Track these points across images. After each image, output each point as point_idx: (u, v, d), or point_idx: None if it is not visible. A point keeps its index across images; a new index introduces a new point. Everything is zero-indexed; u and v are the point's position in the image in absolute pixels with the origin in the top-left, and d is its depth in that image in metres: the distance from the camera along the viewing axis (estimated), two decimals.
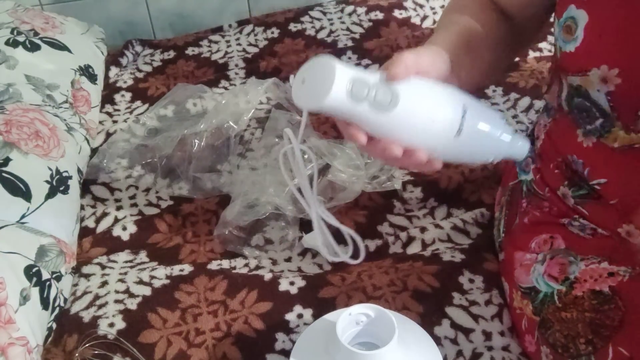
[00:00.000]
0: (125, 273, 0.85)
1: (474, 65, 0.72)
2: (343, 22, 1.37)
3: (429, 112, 0.58)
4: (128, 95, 1.23)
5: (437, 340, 0.73)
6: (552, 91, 0.76)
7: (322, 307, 0.78)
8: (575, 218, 0.74)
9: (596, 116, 0.67)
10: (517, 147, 0.64)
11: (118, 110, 1.19)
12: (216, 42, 1.36)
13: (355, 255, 0.71)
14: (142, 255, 0.89)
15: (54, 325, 0.79)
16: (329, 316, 0.66)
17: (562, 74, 0.71)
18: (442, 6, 1.39)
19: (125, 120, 1.15)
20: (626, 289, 0.65)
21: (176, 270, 0.85)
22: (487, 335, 0.75)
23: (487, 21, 0.76)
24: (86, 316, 0.79)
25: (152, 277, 0.84)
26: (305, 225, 0.91)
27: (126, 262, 0.88)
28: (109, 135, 1.12)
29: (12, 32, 1.11)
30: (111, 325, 0.77)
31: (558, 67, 0.71)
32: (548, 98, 0.78)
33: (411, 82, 0.58)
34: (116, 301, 0.81)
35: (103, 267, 0.87)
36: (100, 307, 0.80)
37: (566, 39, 0.66)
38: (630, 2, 0.60)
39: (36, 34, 1.14)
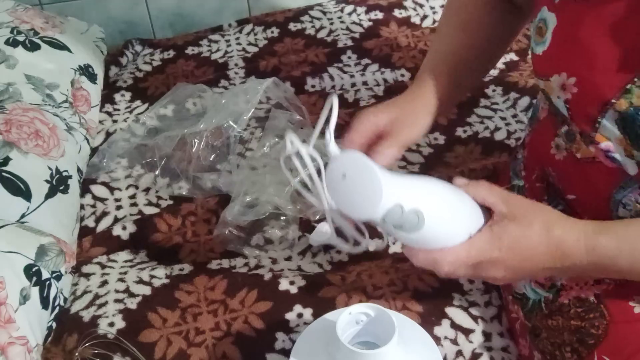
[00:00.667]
0: (125, 272, 0.85)
1: (468, 83, 0.79)
2: (343, 22, 1.37)
3: (441, 238, 0.62)
4: (128, 95, 1.23)
5: (437, 340, 0.73)
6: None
7: (322, 306, 0.78)
8: None
9: (561, 122, 0.68)
10: None
11: (118, 109, 1.19)
12: (216, 42, 1.36)
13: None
14: (142, 255, 0.89)
15: (54, 325, 0.79)
16: (329, 315, 0.66)
17: (533, 72, 0.72)
18: (442, 6, 1.39)
19: (125, 120, 1.15)
20: (611, 297, 0.65)
21: (176, 269, 0.85)
22: (487, 336, 0.75)
23: (489, 20, 0.77)
24: (86, 315, 0.79)
25: (152, 277, 0.84)
26: (305, 225, 0.91)
27: (126, 261, 0.88)
28: (108, 134, 1.12)
29: (11, 32, 1.11)
30: (111, 324, 0.77)
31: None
32: (538, 97, 0.78)
33: (433, 202, 0.61)
34: (116, 300, 0.81)
35: (103, 266, 0.87)
36: (100, 306, 0.80)
37: (537, 40, 0.66)
38: (591, 12, 0.60)
39: (36, 33, 1.14)
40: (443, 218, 0.61)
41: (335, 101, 0.63)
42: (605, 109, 0.59)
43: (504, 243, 0.60)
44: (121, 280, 0.84)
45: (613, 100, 0.58)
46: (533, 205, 0.63)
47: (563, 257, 0.60)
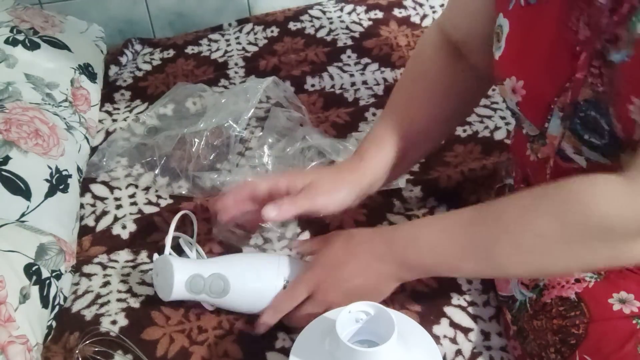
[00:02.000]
0: (128, 274, 0.85)
1: (418, 154, 0.83)
2: (342, 21, 1.37)
3: (256, 292, 0.74)
4: (128, 94, 1.23)
5: (436, 339, 0.74)
6: None
7: None
8: None
9: (520, 125, 0.70)
10: None
11: (118, 109, 1.19)
12: (216, 41, 1.36)
13: None
14: (143, 256, 0.89)
15: (54, 324, 0.79)
16: (329, 314, 0.67)
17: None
18: (442, 5, 1.39)
19: (124, 119, 1.15)
20: (591, 295, 0.66)
21: None
22: (486, 335, 0.75)
23: (451, 87, 0.79)
24: (88, 314, 0.79)
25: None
26: (306, 224, 0.91)
27: (127, 261, 0.88)
28: (108, 133, 1.12)
29: (11, 31, 1.11)
30: (114, 322, 0.78)
31: None
32: None
33: (232, 264, 0.75)
34: (119, 300, 0.81)
35: (104, 266, 0.87)
36: (102, 305, 0.80)
37: (495, 45, 0.68)
38: (535, 16, 0.62)
39: (36, 32, 1.14)
40: (248, 273, 0.74)
41: (177, 217, 0.81)
42: (551, 109, 0.62)
43: (317, 263, 0.71)
44: (124, 281, 0.84)
45: (555, 99, 0.61)
46: (338, 233, 0.74)
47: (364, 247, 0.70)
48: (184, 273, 0.73)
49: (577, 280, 0.67)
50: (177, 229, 0.82)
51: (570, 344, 0.64)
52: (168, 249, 0.78)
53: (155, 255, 0.80)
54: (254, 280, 0.74)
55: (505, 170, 0.84)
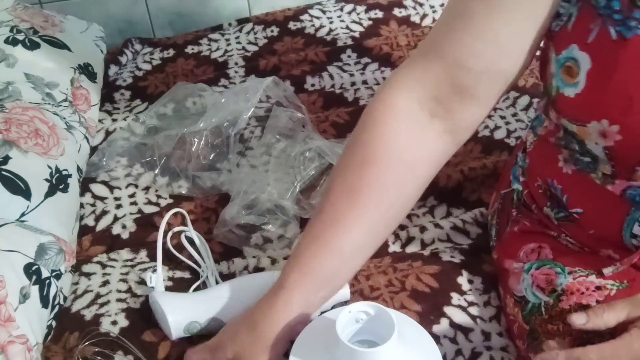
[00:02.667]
0: (127, 273, 0.85)
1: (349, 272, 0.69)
2: (342, 21, 1.37)
3: None
4: (127, 94, 1.23)
5: (436, 339, 0.73)
6: (543, 101, 0.73)
7: None
8: (562, 236, 0.73)
9: (587, 160, 0.64)
10: None
11: (117, 108, 1.19)
12: (216, 41, 1.36)
13: None
14: (143, 255, 0.89)
15: (54, 323, 0.79)
16: (329, 314, 0.66)
17: (553, 112, 0.65)
18: (442, 4, 1.39)
19: (124, 119, 1.15)
20: None
21: (178, 272, 0.85)
22: (486, 336, 0.75)
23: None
24: (88, 314, 0.79)
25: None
26: (306, 224, 0.91)
27: (127, 260, 0.88)
28: (108, 133, 1.12)
29: (11, 30, 1.11)
30: (114, 323, 0.77)
31: (550, 104, 0.66)
32: (541, 110, 0.75)
33: (234, 310, 0.73)
34: (118, 300, 0.81)
35: (104, 266, 0.87)
36: (102, 305, 0.80)
37: (566, 80, 0.59)
38: (628, 52, 0.55)
39: (35, 32, 1.14)
40: (242, 306, 0.71)
41: (165, 218, 0.84)
42: None
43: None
44: (123, 280, 0.84)
45: None
46: None
47: None
48: (180, 321, 0.74)
49: (598, 288, 0.66)
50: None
51: None
52: (160, 284, 0.79)
53: (149, 278, 0.79)
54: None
55: (512, 174, 0.81)
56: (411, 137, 0.63)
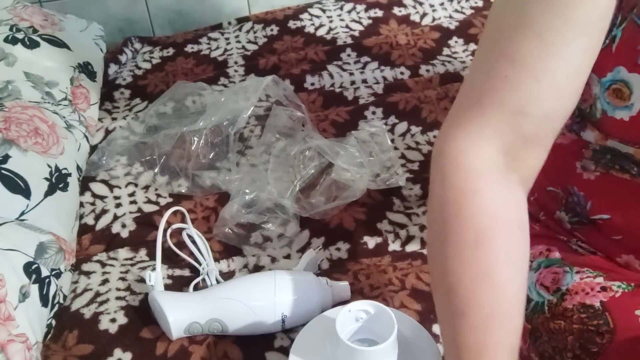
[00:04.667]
0: (126, 272, 0.85)
1: None
2: (342, 20, 1.37)
3: (255, 328, 0.75)
4: (127, 93, 1.23)
5: (436, 338, 0.73)
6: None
7: None
8: (573, 241, 0.72)
9: (627, 170, 0.62)
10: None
11: (117, 107, 1.19)
12: (215, 40, 1.35)
13: None
14: (142, 254, 0.89)
15: (54, 322, 0.79)
16: (329, 313, 0.66)
17: (595, 130, 0.63)
18: (442, 3, 1.39)
19: (124, 118, 1.15)
20: (617, 306, 0.64)
21: (177, 271, 0.85)
22: None
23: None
24: (87, 313, 0.79)
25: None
26: (306, 223, 0.91)
27: (126, 259, 0.88)
28: (108, 132, 1.12)
29: (11, 29, 1.11)
30: (113, 320, 0.78)
31: (591, 122, 0.63)
32: (569, 127, 0.72)
33: (233, 310, 0.74)
34: (118, 298, 0.81)
35: (103, 264, 0.87)
36: (101, 303, 0.80)
37: (615, 104, 0.57)
38: None
39: (35, 31, 1.14)
40: (245, 316, 0.74)
41: (164, 218, 0.85)
42: None
43: None
44: (122, 279, 0.84)
45: None
46: None
47: None
48: (181, 322, 0.74)
49: (604, 289, 0.65)
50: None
51: (590, 352, 0.62)
52: (160, 282, 0.79)
53: (149, 277, 0.78)
54: (252, 318, 0.74)
55: None
56: (504, 198, 0.57)
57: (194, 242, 0.87)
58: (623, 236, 0.66)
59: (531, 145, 0.57)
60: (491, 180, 0.56)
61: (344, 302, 0.75)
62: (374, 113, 1.10)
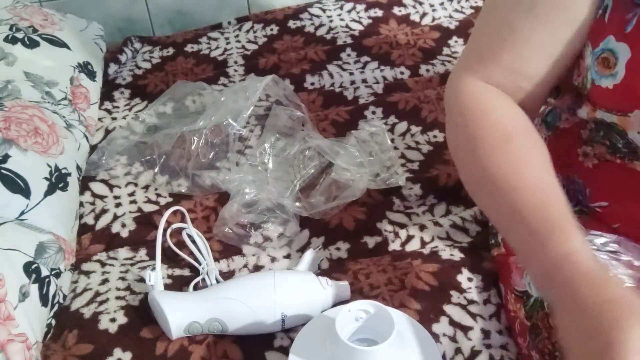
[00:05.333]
0: (126, 271, 0.85)
1: None
2: (342, 19, 1.37)
3: (255, 328, 0.74)
4: (127, 92, 1.23)
5: (436, 338, 0.74)
6: (563, 99, 0.73)
7: None
8: None
9: (620, 149, 0.63)
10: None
11: (117, 107, 1.19)
12: (215, 39, 1.35)
13: None
14: (142, 253, 0.89)
15: (53, 322, 0.79)
16: (329, 312, 0.67)
17: (587, 103, 0.65)
18: (442, 3, 1.39)
19: (124, 117, 1.15)
20: None
21: (177, 270, 0.85)
22: (486, 334, 0.75)
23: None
24: (87, 312, 0.79)
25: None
26: (306, 223, 0.91)
27: (126, 259, 0.88)
28: (108, 132, 1.12)
29: (10, 29, 1.11)
30: (112, 320, 0.78)
31: (584, 96, 0.66)
32: (557, 105, 0.75)
33: (233, 310, 0.74)
34: (117, 297, 0.81)
35: (103, 264, 0.87)
36: (101, 303, 0.80)
37: (601, 72, 0.60)
38: None
39: (35, 30, 1.14)
40: (245, 316, 0.73)
41: (164, 217, 0.84)
42: None
43: None
44: (122, 278, 0.84)
45: None
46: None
47: None
48: (180, 321, 0.74)
49: None
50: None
51: None
52: (160, 282, 0.79)
53: (149, 276, 0.78)
54: (251, 317, 0.74)
55: None
56: (518, 112, 0.66)
57: (193, 241, 0.87)
58: (621, 224, 0.66)
59: (525, 98, 0.66)
60: (505, 100, 0.66)
61: (344, 302, 0.75)
62: (373, 113, 1.10)
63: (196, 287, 0.82)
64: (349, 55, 1.26)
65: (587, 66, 0.63)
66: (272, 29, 1.36)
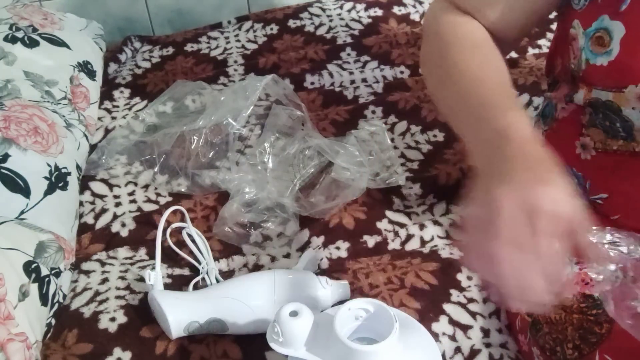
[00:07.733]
0: (126, 271, 0.85)
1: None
2: (342, 19, 1.37)
3: (255, 327, 0.74)
4: (127, 92, 1.23)
5: (435, 337, 0.74)
6: (560, 89, 0.74)
7: None
8: None
9: (618, 131, 0.64)
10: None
11: (117, 106, 1.19)
12: (215, 39, 1.35)
13: None
14: (142, 253, 0.89)
15: (53, 321, 0.79)
16: (328, 311, 0.67)
17: (583, 85, 0.67)
18: None
19: (124, 117, 1.15)
20: (615, 295, 0.63)
21: (177, 270, 0.85)
22: (485, 332, 0.75)
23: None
24: (87, 312, 0.79)
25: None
26: (306, 222, 0.91)
27: (126, 258, 0.88)
28: (107, 131, 1.12)
29: (10, 28, 1.11)
30: (112, 319, 0.78)
31: (579, 78, 0.67)
32: (554, 97, 0.75)
33: (232, 309, 0.74)
34: (117, 297, 0.81)
35: (103, 263, 0.87)
36: (101, 302, 0.80)
37: (596, 51, 0.62)
38: None
39: (35, 30, 1.14)
40: (244, 315, 0.74)
41: (164, 217, 0.84)
42: None
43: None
44: (122, 278, 0.84)
45: None
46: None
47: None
48: (180, 321, 0.74)
49: None
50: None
51: (590, 342, 0.63)
52: (159, 281, 0.78)
53: (148, 276, 0.78)
54: (251, 317, 0.74)
55: None
56: (486, 32, 0.72)
57: (193, 241, 0.88)
58: (621, 215, 0.66)
59: (498, 37, 0.72)
60: (475, 22, 0.72)
61: (344, 301, 0.75)
62: (373, 112, 1.10)
63: (196, 287, 0.82)
64: (348, 54, 1.26)
65: (580, 47, 0.64)
66: (272, 29, 1.36)
